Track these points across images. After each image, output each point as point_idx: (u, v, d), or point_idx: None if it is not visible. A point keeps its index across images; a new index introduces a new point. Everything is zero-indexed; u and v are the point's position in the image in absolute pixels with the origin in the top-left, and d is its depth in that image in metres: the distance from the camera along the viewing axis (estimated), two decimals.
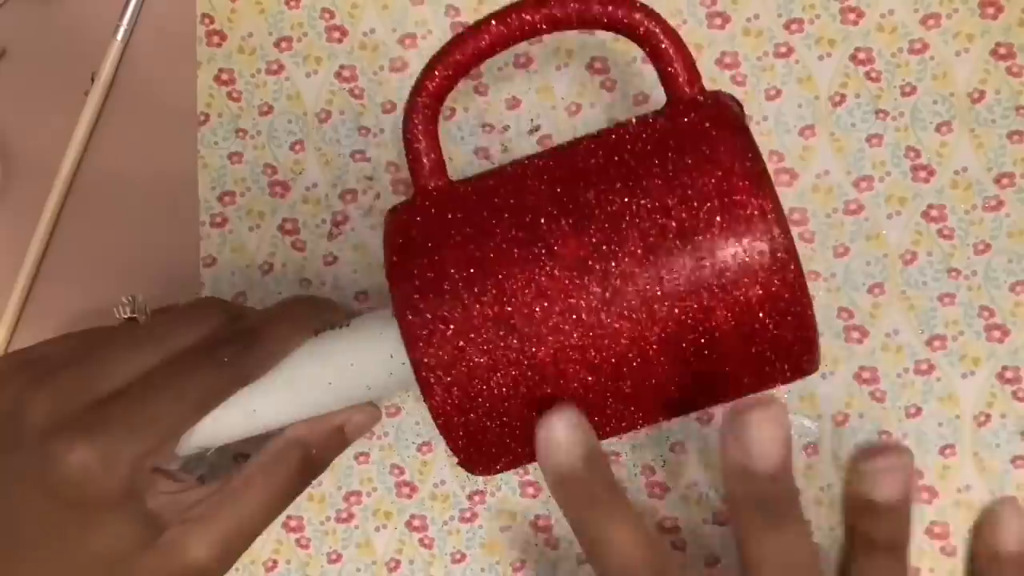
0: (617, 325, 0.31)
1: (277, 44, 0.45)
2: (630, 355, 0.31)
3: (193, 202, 0.45)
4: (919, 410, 0.42)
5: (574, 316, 0.31)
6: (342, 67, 0.45)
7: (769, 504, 0.29)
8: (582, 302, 0.31)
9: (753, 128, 0.43)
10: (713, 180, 0.31)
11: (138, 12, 0.46)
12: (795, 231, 0.43)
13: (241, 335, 0.35)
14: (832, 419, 0.43)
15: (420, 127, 0.35)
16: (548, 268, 0.31)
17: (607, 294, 0.31)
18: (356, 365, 0.36)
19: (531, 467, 0.43)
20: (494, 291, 0.32)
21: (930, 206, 0.43)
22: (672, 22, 0.44)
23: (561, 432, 0.30)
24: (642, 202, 0.31)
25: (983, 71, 0.43)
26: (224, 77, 0.45)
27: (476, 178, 0.35)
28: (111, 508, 0.33)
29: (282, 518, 0.44)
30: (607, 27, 0.34)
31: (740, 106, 0.34)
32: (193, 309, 0.37)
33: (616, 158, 0.32)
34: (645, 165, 0.32)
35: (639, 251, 0.31)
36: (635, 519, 0.31)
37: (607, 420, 0.33)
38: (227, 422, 0.36)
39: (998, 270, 0.42)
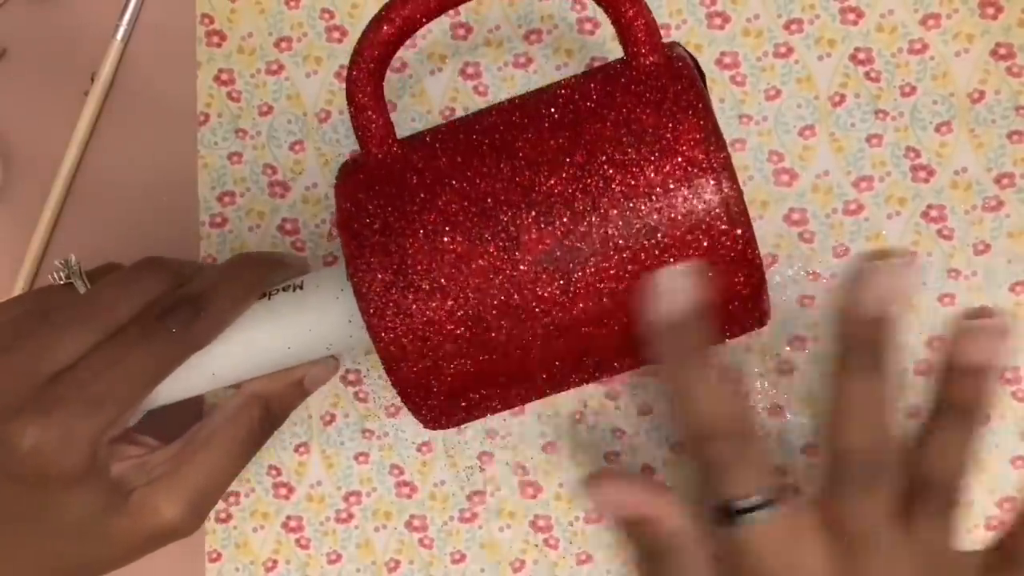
0: (582, 316, 0.32)
1: (277, 44, 0.45)
2: (592, 339, 0.32)
3: (193, 202, 0.45)
4: (919, 410, 0.42)
5: (539, 308, 0.32)
6: (342, 67, 0.45)
7: (861, 349, 0.30)
8: (547, 293, 0.32)
9: (753, 128, 0.43)
10: (679, 172, 0.31)
11: (138, 12, 0.46)
12: (795, 231, 0.43)
13: (188, 301, 0.35)
14: None
15: (369, 90, 0.34)
16: (515, 262, 0.32)
17: (572, 286, 0.32)
18: (315, 330, 0.36)
19: (532, 468, 0.43)
20: (461, 287, 0.32)
21: (930, 206, 0.43)
22: (672, 22, 0.44)
23: (681, 281, 0.31)
24: (605, 199, 0.31)
25: (983, 71, 0.43)
26: (224, 77, 0.45)
27: (427, 143, 0.34)
28: (75, 484, 0.33)
29: (282, 518, 0.44)
30: None
31: (701, 73, 0.34)
32: (136, 274, 0.36)
33: (580, 140, 0.32)
34: (610, 157, 0.31)
35: (605, 247, 0.31)
36: (726, 378, 0.31)
37: (568, 380, 0.35)
38: (185, 384, 0.36)
39: (998, 270, 0.42)
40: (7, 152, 0.46)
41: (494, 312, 0.32)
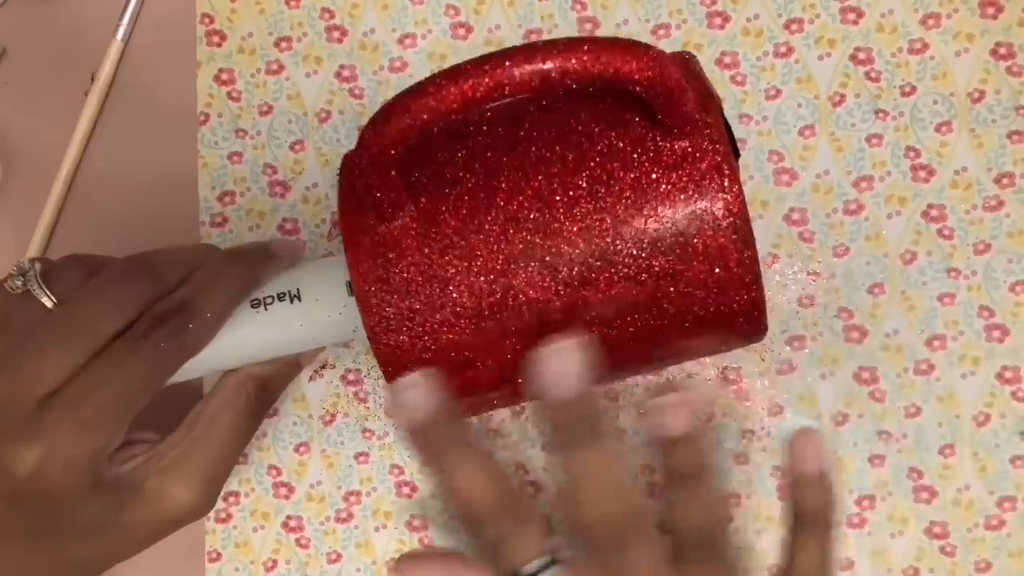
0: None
1: (277, 44, 0.45)
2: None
3: (193, 202, 0.45)
4: (919, 410, 0.42)
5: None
6: (342, 67, 0.45)
7: (567, 428, 0.31)
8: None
9: (753, 128, 0.43)
10: (702, 245, 0.31)
11: (138, 12, 0.46)
12: (795, 231, 0.43)
13: (175, 312, 0.34)
14: (832, 419, 0.43)
15: (380, 181, 0.31)
16: (537, 340, 0.32)
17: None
18: (317, 339, 0.36)
19: (532, 468, 0.43)
20: (482, 349, 0.32)
21: (930, 206, 0.43)
22: (672, 22, 0.44)
23: (411, 393, 0.32)
24: (633, 285, 0.31)
25: (983, 71, 0.43)
26: (224, 77, 0.45)
27: (451, 206, 0.32)
28: (81, 499, 0.33)
29: (282, 518, 0.44)
30: (628, 84, 0.29)
31: (730, 132, 0.33)
32: (116, 285, 0.34)
33: (607, 223, 0.31)
34: (643, 243, 0.31)
35: (619, 308, 0.32)
36: (481, 464, 0.32)
37: None
38: (184, 375, 0.36)
39: (998, 270, 0.42)
40: (7, 152, 0.46)
41: (508, 359, 0.33)
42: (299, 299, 0.36)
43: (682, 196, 0.31)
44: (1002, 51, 0.43)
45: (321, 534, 0.44)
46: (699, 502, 0.32)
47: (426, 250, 0.32)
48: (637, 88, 0.29)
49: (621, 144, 0.31)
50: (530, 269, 0.31)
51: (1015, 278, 0.42)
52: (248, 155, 0.45)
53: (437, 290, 0.32)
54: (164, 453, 0.36)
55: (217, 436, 0.37)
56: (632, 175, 0.31)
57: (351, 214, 0.33)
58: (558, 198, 0.31)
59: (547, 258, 0.31)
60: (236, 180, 0.45)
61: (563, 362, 0.31)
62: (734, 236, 0.31)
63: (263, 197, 0.45)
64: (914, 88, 0.43)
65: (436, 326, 0.32)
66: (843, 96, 0.43)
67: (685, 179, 0.31)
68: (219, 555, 0.44)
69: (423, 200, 0.32)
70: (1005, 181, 0.42)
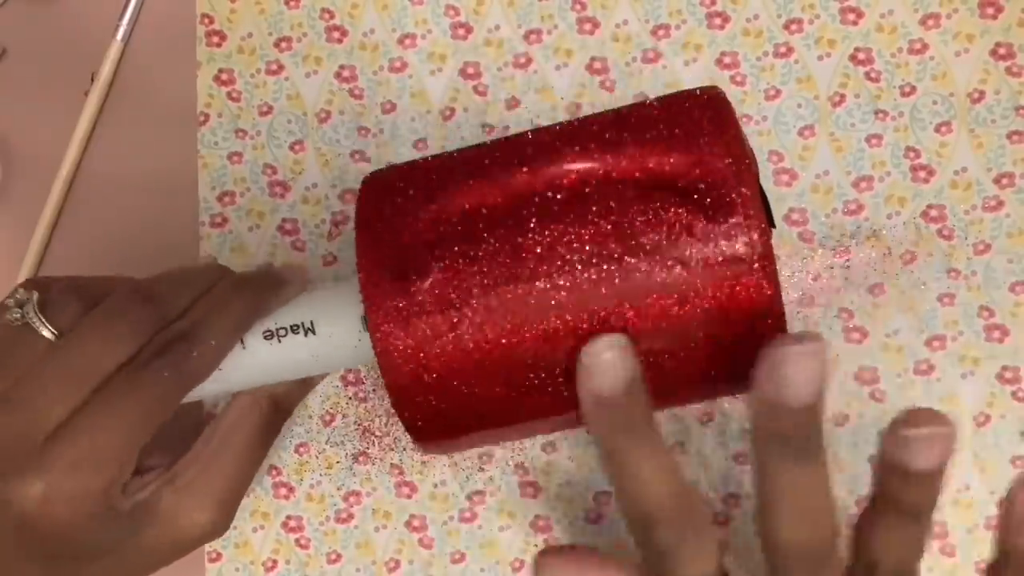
0: None
1: (277, 44, 0.45)
2: None
3: (193, 202, 0.45)
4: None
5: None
6: (342, 67, 0.45)
7: (793, 440, 0.29)
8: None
9: (753, 128, 0.43)
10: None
11: (138, 12, 0.46)
12: (795, 231, 0.43)
13: (178, 341, 0.33)
14: (832, 419, 0.43)
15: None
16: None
17: None
18: (332, 367, 0.36)
19: (532, 468, 0.43)
20: (501, 418, 0.32)
21: (930, 206, 0.43)
22: (672, 22, 0.44)
23: (608, 355, 0.29)
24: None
25: (983, 71, 0.43)
26: (224, 77, 0.45)
27: (474, 301, 0.31)
28: (94, 529, 0.33)
29: (282, 518, 0.44)
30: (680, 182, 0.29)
31: (765, 200, 0.32)
32: (117, 317, 0.33)
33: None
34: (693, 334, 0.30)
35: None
36: (666, 455, 0.30)
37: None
38: (193, 398, 0.36)
39: (998, 270, 0.42)
40: (7, 152, 0.46)
41: (536, 414, 0.33)
42: (313, 332, 0.35)
43: (717, 273, 0.30)
44: (1002, 51, 0.43)
45: (321, 534, 0.44)
46: (912, 540, 0.31)
47: (453, 316, 0.31)
48: (681, 184, 0.29)
49: (653, 218, 0.30)
50: (562, 341, 0.30)
51: (1015, 278, 0.42)
52: (248, 155, 0.45)
53: (469, 364, 0.31)
54: (178, 474, 0.36)
55: (230, 456, 0.36)
56: (664, 251, 0.30)
57: (372, 269, 0.32)
58: (588, 272, 0.30)
59: (582, 327, 0.30)
60: (236, 180, 0.45)
61: (809, 365, 0.28)
62: (767, 317, 0.30)
63: (263, 197, 0.45)
64: (914, 88, 0.43)
65: (466, 392, 0.32)
66: (843, 96, 0.43)
67: (720, 258, 0.30)
68: (219, 555, 0.44)
69: (448, 263, 0.31)
70: (1005, 181, 0.42)
